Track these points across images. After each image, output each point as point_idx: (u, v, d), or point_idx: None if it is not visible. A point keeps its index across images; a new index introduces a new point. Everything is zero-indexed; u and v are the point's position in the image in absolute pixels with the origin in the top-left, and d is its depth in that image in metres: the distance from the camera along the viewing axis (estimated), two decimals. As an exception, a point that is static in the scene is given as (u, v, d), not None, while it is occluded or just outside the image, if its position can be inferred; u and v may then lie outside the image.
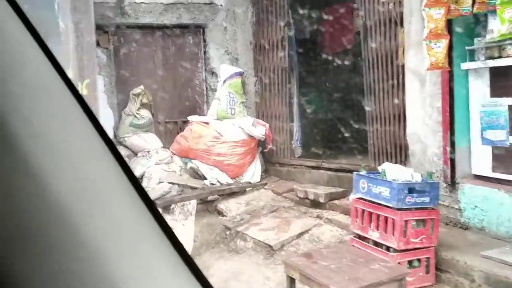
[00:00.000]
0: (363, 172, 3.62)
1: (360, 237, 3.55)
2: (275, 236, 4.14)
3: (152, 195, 4.69)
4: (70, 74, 2.99)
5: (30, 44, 0.36)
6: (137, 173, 5.07)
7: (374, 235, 3.37)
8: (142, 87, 5.44)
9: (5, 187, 0.32)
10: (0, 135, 0.31)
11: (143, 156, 5.33)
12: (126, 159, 4.52)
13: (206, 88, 6.24)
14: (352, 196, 3.69)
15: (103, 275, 0.33)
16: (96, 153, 0.38)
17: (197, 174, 5.37)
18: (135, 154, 5.55)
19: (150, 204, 0.39)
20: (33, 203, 0.32)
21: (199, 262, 4.21)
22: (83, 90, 2.96)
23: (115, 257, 0.34)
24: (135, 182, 0.39)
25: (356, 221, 3.57)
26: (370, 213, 3.40)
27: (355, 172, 3.71)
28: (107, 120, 5.72)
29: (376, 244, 3.35)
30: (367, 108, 4.69)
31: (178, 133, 6.07)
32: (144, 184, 5.01)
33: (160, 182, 4.98)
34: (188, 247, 4.56)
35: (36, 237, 0.32)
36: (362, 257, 2.83)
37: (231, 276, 3.79)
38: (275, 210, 4.80)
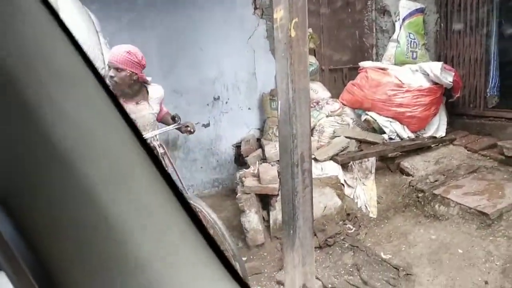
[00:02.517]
0: None
1: None
2: (488, 202, 3.45)
3: (330, 151, 4.28)
4: (281, 13, 2.57)
5: (58, 35, 0.37)
6: (308, 125, 4.67)
7: None
8: (310, 29, 4.91)
9: (39, 171, 0.34)
10: (34, 121, 0.33)
11: (312, 107, 4.89)
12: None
13: (376, 29, 5.52)
14: None
15: (130, 255, 0.35)
16: (122, 139, 0.39)
17: (371, 128, 4.81)
18: (301, 105, 5.15)
19: (174, 188, 0.40)
20: (65, 186, 0.34)
21: (390, 227, 3.73)
22: (291, 32, 2.51)
23: (141, 238, 0.36)
24: (160, 167, 0.41)
25: None
26: None
27: None
28: (268, 67, 5.38)
29: None
30: None
31: (343, 82, 5.54)
32: (315, 138, 4.61)
33: (335, 136, 4.53)
34: (372, 209, 4.10)
35: (66, 217, 0.34)
36: None
37: (440, 247, 3.24)
38: (475, 170, 4.06)
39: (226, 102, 5.44)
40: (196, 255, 0.39)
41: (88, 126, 0.36)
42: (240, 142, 5.46)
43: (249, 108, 5.48)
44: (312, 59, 5.03)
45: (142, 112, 2.91)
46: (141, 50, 2.86)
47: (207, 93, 5.28)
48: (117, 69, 2.69)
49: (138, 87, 2.89)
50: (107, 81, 2.72)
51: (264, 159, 4.47)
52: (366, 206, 4.09)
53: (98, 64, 3.39)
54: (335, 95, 5.20)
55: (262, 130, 5.50)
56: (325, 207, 3.98)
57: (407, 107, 4.53)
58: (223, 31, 5.21)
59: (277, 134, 4.78)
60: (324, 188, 3.99)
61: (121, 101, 3.07)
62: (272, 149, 4.43)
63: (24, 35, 0.34)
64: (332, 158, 4.20)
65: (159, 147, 2.87)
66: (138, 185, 0.38)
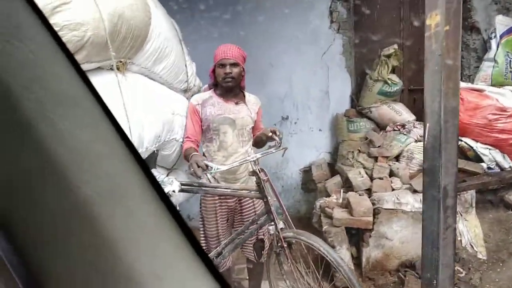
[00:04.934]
0: None
1: None
2: None
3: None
4: (437, 19, 2.14)
5: (59, 58, 0.38)
6: (395, 151, 4.20)
7: None
8: (395, 46, 4.48)
9: (34, 187, 0.34)
10: (29, 139, 0.34)
11: (396, 130, 4.42)
12: (372, 133, 3.55)
13: (462, 48, 5.04)
14: None
15: (124, 270, 0.36)
16: (118, 155, 0.40)
17: (464, 156, 4.30)
18: (380, 128, 4.68)
19: (169, 204, 0.41)
20: (60, 201, 0.35)
21: (509, 272, 3.19)
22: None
23: (136, 253, 0.36)
24: (155, 183, 0.41)
25: None
26: None
27: None
28: (343, 86, 4.95)
29: None
30: None
31: (423, 104, 5.05)
32: (403, 165, 4.11)
33: (428, 164, 4.03)
34: (480, 249, 3.56)
35: (62, 233, 0.35)
36: None
37: None
38: None
39: (295, 123, 5.01)
40: (190, 271, 0.40)
41: (84, 145, 0.37)
42: (309, 167, 5.01)
43: (320, 130, 5.03)
44: (395, 78, 4.57)
45: (241, 113, 2.71)
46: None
47: (275, 112, 4.86)
48: (233, 64, 2.60)
49: (238, 88, 2.76)
50: (220, 79, 2.64)
51: (348, 187, 3.98)
52: (472, 245, 3.55)
53: (182, 77, 3.03)
54: (417, 118, 4.71)
55: (333, 154, 5.03)
56: (425, 246, 3.47)
57: (510, 133, 4.01)
58: (296, 45, 4.82)
59: (359, 159, 4.32)
60: (426, 223, 3.47)
61: (220, 99, 2.70)
62: (357, 176, 3.95)
63: (25, 57, 0.35)
64: (430, 189, 3.69)
65: (260, 172, 2.43)
66: (133, 202, 0.39)
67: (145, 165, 0.41)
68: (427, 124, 2.18)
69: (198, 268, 0.41)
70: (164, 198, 0.41)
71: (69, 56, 0.39)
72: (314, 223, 3.97)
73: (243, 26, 4.71)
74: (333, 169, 4.76)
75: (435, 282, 2.17)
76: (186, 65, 3.06)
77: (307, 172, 5.03)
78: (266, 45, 4.73)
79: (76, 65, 0.39)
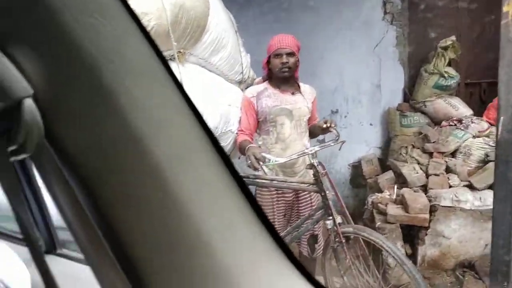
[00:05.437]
0: None
1: None
2: None
3: (489, 178, 3.60)
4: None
5: (136, 35, 0.41)
6: (451, 146, 4.03)
7: None
8: (453, 38, 4.29)
9: (115, 154, 0.38)
10: (111, 105, 0.37)
11: (452, 125, 4.24)
12: (427, 127, 3.36)
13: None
14: None
15: (191, 228, 0.39)
16: (186, 122, 0.42)
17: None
18: (435, 123, 4.50)
19: (232, 170, 0.44)
20: (137, 166, 0.38)
21: None
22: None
23: (202, 214, 0.40)
24: (220, 150, 0.44)
25: None
26: None
27: None
28: (396, 79, 4.79)
29: None
30: None
31: (480, 98, 4.84)
32: (460, 161, 3.94)
33: (488, 160, 3.84)
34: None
35: (138, 196, 0.38)
36: None
37: None
38: None
39: (345, 116, 4.91)
40: (252, 232, 0.43)
41: (157, 112, 0.40)
42: (358, 162, 4.90)
43: (370, 124, 4.91)
44: (452, 71, 4.38)
45: (298, 104, 2.67)
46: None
47: (325, 105, 4.77)
48: (289, 54, 2.57)
49: (293, 78, 2.71)
50: (277, 70, 2.60)
51: (402, 183, 3.86)
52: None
53: (237, 68, 3.01)
54: (474, 113, 4.50)
55: (384, 149, 4.90)
56: (486, 245, 3.32)
57: None
58: (347, 37, 4.72)
59: (413, 155, 4.18)
60: (487, 222, 3.31)
61: (276, 90, 2.66)
62: (412, 172, 3.82)
63: (108, 32, 0.37)
64: (491, 187, 3.52)
65: (318, 165, 2.38)
66: (201, 166, 0.42)
67: (210, 132, 0.44)
68: (501, 118, 2.05)
69: (258, 229, 0.43)
70: (228, 163, 0.44)
71: (144, 31, 0.42)
72: (365, 219, 3.89)
73: (291, 20, 4.66)
74: (383, 164, 4.64)
75: (506, 285, 2.06)
76: (241, 56, 3.04)
77: (356, 167, 4.93)
78: (317, 38, 4.65)
79: (149, 39, 0.42)
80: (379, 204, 3.63)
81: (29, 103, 0.35)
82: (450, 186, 3.56)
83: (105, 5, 0.39)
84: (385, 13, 4.68)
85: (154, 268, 0.40)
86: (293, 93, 2.70)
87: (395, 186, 3.79)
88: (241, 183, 0.45)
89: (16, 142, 0.36)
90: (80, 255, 0.92)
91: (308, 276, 0.45)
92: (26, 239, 0.43)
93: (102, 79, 0.37)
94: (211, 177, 0.42)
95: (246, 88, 3.14)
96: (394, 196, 3.70)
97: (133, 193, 0.39)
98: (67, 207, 0.45)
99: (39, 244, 0.43)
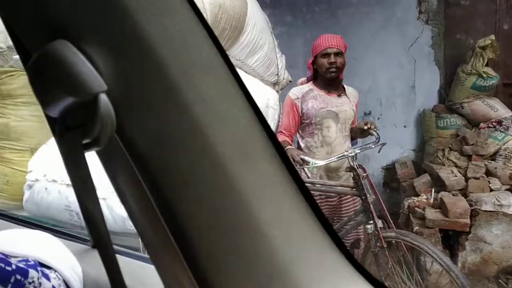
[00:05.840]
0: None
1: None
2: None
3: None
4: None
5: (199, 32, 0.42)
6: (491, 149, 3.90)
7: None
8: (492, 37, 4.15)
9: (182, 148, 0.39)
10: (176, 101, 0.38)
11: (491, 127, 4.10)
12: (465, 129, 3.23)
13: None
14: None
15: (249, 215, 0.40)
16: (249, 119, 0.43)
17: None
18: (472, 125, 4.37)
19: (290, 167, 0.44)
20: (199, 155, 0.39)
21: None
22: None
23: (262, 204, 0.41)
24: (278, 146, 0.44)
25: None
26: None
27: None
28: (431, 80, 4.68)
29: None
30: None
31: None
32: (501, 164, 3.81)
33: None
34: None
35: (203, 190, 0.40)
36: None
37: None
38: None
39: (378, 118, 4.82)
40: (308, 225, 0.44)
41: (219, 108, 0.41)
42: (392, 164, 4.80)
43: (404, 126, 4.81)
44: (490, 71, 4.25)
45: (344, 106, 2.62)
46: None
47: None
48: (337, 54, 2.52)
49: (339, 79, 2.66)
50: (324, 70, 2.54)
51: (440, 186, 3.76)
52: None
53: (273, 69, 2.98)
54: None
55: (418, 151, 4.79)
56: (530, 252, 3.19)
57: None
58: (381, 37, 4.64)
59: (450, 158, 4.06)
60: (532, 229, 3.19)
61: (322, 92, 2.60)
62: (450, 175, 3.72)
63: (172, 31, 0.39)
64: (535, 191, 3.39)
65: (358, 168, 2.33)
66: (259, 160, 0.43)
67: (269, 129, 0.44)
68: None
69: (312, 221, 0.44)
70: (286, 161, 0.44)
71: (207, 28, 0.42)
72: (400, 223, 3.79)
73: (325, 21, 4.61)
74: (418, 167, 4.53)
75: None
76: (276, 58, 3.01)
77: (389, 169, 4.83)
78: (350, 38, 4.57)
79: (213, 36, 0.42)
80: (416, 208, 3.53)
81: (104, 98, 0.36)
82: (491, 190, 3.44)
83: (173, 5, 0.40)
84: (420, 12, 4.58)
85: (220, 267, 0.41)
86: (339, 95, 2.64)
87: (433, 190, 3.69)
88: (301, 183, 0.45)
89: (90, 135, 0.37)
90: (120, 248, 0.94)
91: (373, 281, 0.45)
92: (94, 235, 0.44)
93: (170, 76, 0.38)
94: (271, 175, 0.43)
95: (281, 90, 3.11)
96: (432, 200, 3.60)
97: (199, 188, 0.40)
98: (132, 200, 0.47)
99: (109, 241, 0.43)
